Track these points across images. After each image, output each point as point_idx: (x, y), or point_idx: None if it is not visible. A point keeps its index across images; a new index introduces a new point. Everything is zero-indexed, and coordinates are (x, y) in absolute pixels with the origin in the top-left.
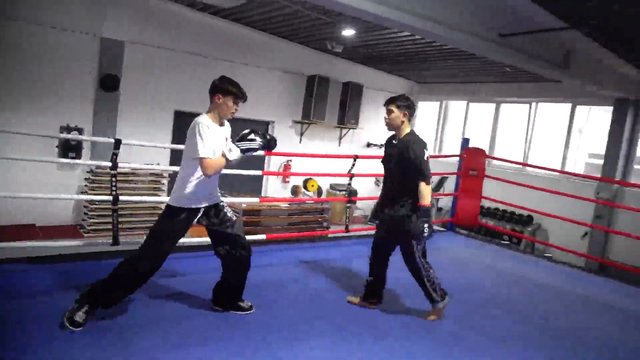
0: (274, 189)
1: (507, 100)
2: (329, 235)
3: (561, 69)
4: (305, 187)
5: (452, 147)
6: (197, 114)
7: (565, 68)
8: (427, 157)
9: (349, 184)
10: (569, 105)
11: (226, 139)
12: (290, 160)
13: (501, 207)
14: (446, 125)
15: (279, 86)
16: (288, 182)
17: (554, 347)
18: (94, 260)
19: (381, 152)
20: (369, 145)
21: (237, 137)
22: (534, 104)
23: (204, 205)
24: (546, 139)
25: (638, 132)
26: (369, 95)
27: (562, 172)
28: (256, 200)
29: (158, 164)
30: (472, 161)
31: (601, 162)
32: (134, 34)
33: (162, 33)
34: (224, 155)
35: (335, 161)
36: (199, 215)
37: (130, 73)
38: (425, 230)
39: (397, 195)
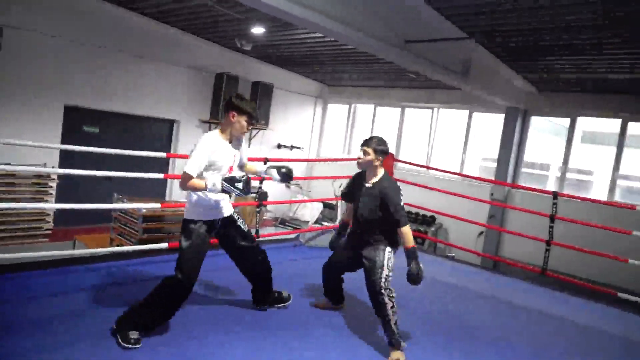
0: (181, 192)
1: (412, 105)
2: None
3: (460, 77)
4: None
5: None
6: (92, 110)
7: (464, 76)
8: (403, 203)
9: (260, 187)
10: (466, 112)
11: (234, 155)
12: None
13: (407, 208)
14: (354, 128)
15: (185, 83)
16: None
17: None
18: None
19: (292, 153)
20: (279, 146)
21: (229, 177)
22: (435, 109)
23: (218, 217)
24: (447, 143)
25: (526, 138)
26: (279, 95)
27: (460, 174)
28: (157, 205)
29: (44, 165)
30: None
31: (494, 165)
32: (15, 18)
33: (49, 18)
34: (206, 184)
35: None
36: (217, 227)
37: (10, 62)
38: (421, 273)
39: (374, 238)
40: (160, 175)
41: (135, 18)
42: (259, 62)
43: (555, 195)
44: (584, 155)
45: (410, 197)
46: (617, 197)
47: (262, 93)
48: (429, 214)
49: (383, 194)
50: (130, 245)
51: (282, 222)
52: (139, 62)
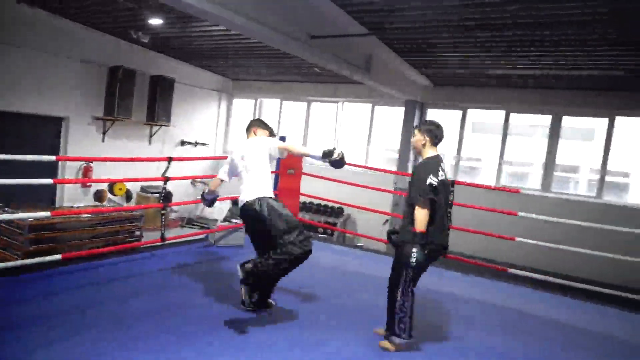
0: (72, 196)
1: (318, 100)
2: (142, 246)
3: (363, 72)
4: (111, 192)
5: None
6: None
7: (366, 71)
8: (431, 182)
9: (164, 188)
10: (369, 105)
11: (242, 157)
12: (91, 163)
13: (315, 200)
14: None
15: (76, 77)
16: (90, 186)
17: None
18: None
19: (197, 150)
20: (183, 143)
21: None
22: (340, 103)
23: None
24: (352, 136)
25: None
26: (181, 90)
27: (365, 167)
28: (47, 214)
29: None
30: (290, 160)
31: (397, 155)
32: None
33: None
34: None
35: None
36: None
37: None
38: (412, 258)
39: (404, 222)
40: (49, 181)
41: (18, 6)
42: (158, 55)
43: (452, 183)
44: (474, 144)
45: (318, 189)
46: (503, 182)
47: (163, 88)
48: (337, 205)
49: (415, 169)
50: (17, 259)
51: (189, 222)
52: (19, 53)
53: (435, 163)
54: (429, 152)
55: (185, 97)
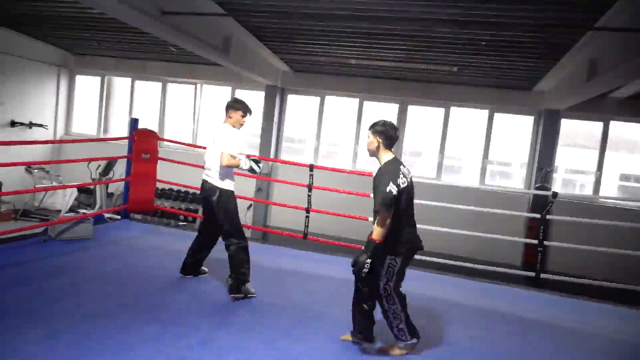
0: None
1: (174, 80)
2: None
3: (221, 54)
4: None
5: (121, 127)
6: None
7: (225, 53)
8: (391, 189)
9: None
10: (229, 89)
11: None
12: None
13: (174, 187)
14: (111, 103)
15: None
16: None
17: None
18: None
19: (32, 133)
20: (14, 124)
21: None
22: (199, 85)
23: None
24: (212, 120)
25: (284, 113)
26: (10, 63)
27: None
28: None
29: None
30: (144, 144)
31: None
32: None
33: None
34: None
35: None
36: None
37: None
38: (364, 267)
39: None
40: None
41: None
42: None
43: (311, 167)
44: (333, 130)
45: (178, 176)
46: (359, 166)
47: None
48: (198, 192)
49: (375, 176)
50: None
51: (25, 214)
52: None
53: (395, 169)
54: (384, 155)
55: (14, 70)
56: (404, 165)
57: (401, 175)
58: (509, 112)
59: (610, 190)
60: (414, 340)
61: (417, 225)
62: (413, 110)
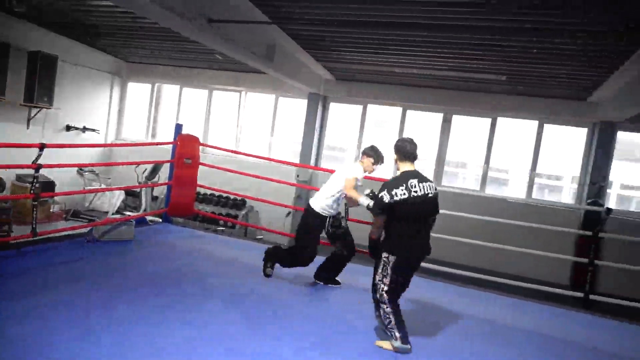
0: None
1: (219, 88)
2: (12, 242)
3: (265, 62)
4: None
5: (168, 132)
6: None
7: (269, 61)
8: (383, 196)
9: (35, 177)
10: (273, 96)
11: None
12: None
13: (215, 193)
14: (160, 109)
15: None
16: None
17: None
18: None
19: (86, 137)
20: (69, 128)
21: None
22: (243, 92)
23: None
24: (255, 127)
25: (326, 121)
26: (67, 70)
27: (268, 159)
28: None
29: None
30: (186, 149)
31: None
32: None
33: None
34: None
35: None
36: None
37: None
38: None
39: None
40: None
41: None
42: (39, 29)
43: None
44: (374, 139)
45: (219, 181)
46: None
47: (43, 65)
48: (239, 198)
49: None
50: None
51: (75, 214)
52: None
53: (401, 179)
54: (401, 167)
55: (71, 77)
56: (420, 180)
57: (402, 188)
58: (560, 123)
59: None
60: (404, 346)
61: (458, 238)
62: (457, 119)
